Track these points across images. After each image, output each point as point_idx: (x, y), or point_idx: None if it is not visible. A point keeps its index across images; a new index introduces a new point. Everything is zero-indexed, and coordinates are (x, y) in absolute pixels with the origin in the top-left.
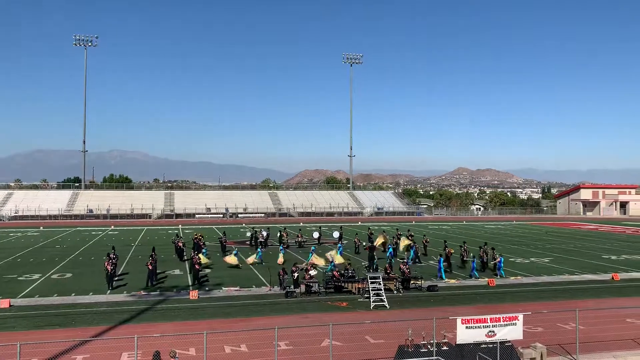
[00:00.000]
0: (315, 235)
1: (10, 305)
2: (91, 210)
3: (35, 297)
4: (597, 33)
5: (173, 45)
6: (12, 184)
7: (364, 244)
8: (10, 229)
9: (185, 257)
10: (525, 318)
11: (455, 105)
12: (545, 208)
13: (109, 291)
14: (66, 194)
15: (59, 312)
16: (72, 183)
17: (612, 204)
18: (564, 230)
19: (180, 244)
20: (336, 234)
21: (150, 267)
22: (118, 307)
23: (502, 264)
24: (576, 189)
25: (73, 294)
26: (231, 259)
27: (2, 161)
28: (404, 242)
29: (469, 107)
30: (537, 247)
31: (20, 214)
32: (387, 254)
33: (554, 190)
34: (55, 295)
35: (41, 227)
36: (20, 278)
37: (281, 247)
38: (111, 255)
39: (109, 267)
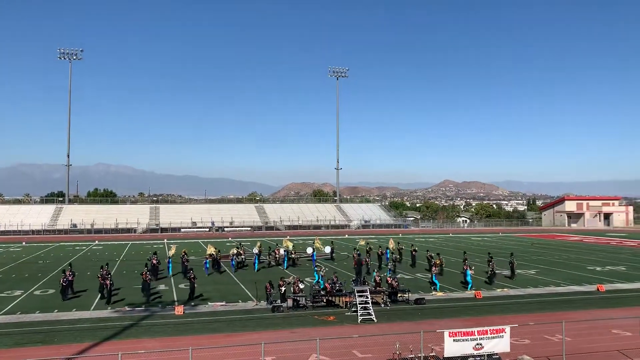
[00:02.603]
0: (309, 251)
1: None
2: (75, 225)
3: (17, 313)
4: (580, 46)
5: (157, 58)
6: None
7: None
8: None
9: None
10: (512, 330)
11: (441, 118)
12: (530, 220)
13: (92, 307)
14: (49, 208)
15: (42, 329)
16: (55, 197)
17: (596, 215)
18: (549, 241)
19: (155, 261)
20: (328, 249)
21: (101, 281)
22: (102, 323)
23: (469, 275)
24: (561, 200)
25: (56, 311)
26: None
27: None
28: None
29: (455, 120)
30: (523, 258)
31: (2, 228)
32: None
33: (539, 202)
34: (38, 311)
35: (24, 243)
36: (2, 294)
37: (256, 257)
38: (67, 273)
39: (62, 281)
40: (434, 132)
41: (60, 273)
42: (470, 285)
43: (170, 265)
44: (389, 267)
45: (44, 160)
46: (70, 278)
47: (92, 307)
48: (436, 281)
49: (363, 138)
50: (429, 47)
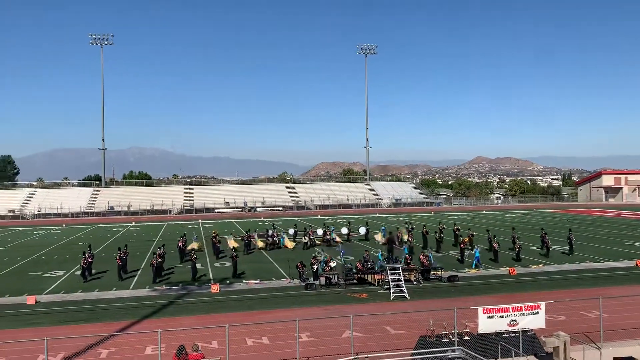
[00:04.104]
0: (344, 231)
1: (36, 302)
2: (112, 207)
3: (60, 293)
4: (616, 17)
5: (187, 43)
6: (35, 183)
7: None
8: (34, 227)
9: (188, 258)
10: (547, 307)
11: (473, 93)
12: (566, 195)
13: (131, 286)
14: (87, 191)
15: (84, 307)
16: (92, 181)
17: (635, 189)
18: (585, 217)
19: (180, 244)
20: (362, 230)
21: (119, 262)
22: (141, 302)
23: (478, 255)
24: (598, 175)
25: (96, 290)
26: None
27: (23, 160)
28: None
29: (487, 95)
30: (558, 235)
31: (43, 212)
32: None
33: (574, 177)
34: (80, 291)
35: (64, 225)
36: (45, 275)
37: (283, 234)
38: (87, 254)
39: (83, 263)
40: (465, 107)
41: (111, 253)
42: (474, 264)
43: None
44: (405, 246)
45: (80, 145)
46: (89, 260)
47: (131, 287)
48: (473, 257)
49: (393, 116)
50: (456, 22)
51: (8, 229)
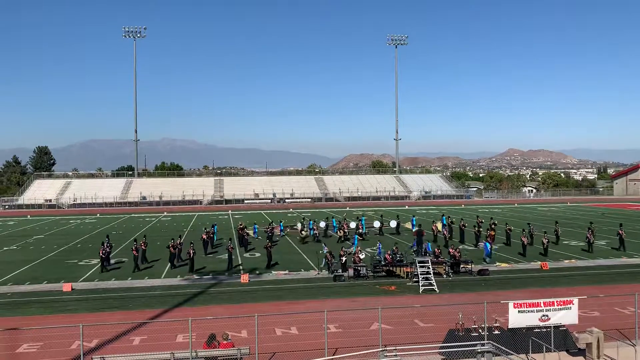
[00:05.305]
0: (377, 224)
1: (72, 289)
2: (144, 198)
3: (94, 281)
4: None
5: (218, 35)
6: (70, 173)
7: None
8: (69, 216)
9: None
10: (580, 302)
11: (505, 84)
12: (601, 189)
13: (163, 275)
14: (120, 182)
15: (117, 295)
16: (125, 171)
17: None
18: (621, 211)
19: (204, 236)
20: (393, 223)
21: (135, 253)
22: (172, 290)
23: (488, 249)
24: (635, 168)
25: (129, 278)
26: None
27: (60, 151)
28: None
29: (519, 86)
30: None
31: (78, 201)
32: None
33: (610, 171)
34: (113, 279)
35: (98, 214)
36: (81, 263)
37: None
38: (105, 244)
39: (101, 253)
40: (497, 98)
41: (132, 243)
42: (487, 257)
43: (215, 236)
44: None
45: (113, 137)
46: (108, 250)
47: (163, 275)
48: (487, 251)
49: (423, 107)
50: (488, 12)
51: (45, 218)
